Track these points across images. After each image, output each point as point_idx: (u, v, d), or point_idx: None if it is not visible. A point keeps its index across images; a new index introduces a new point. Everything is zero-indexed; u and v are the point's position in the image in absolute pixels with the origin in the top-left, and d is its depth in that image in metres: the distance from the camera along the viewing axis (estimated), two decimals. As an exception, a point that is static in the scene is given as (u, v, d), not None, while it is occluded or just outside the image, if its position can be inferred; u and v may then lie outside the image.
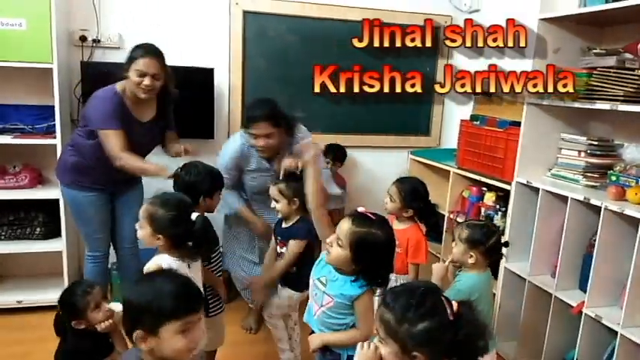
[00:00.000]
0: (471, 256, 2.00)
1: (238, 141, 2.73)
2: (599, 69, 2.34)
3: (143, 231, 1.80)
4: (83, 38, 3.15)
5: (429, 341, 1.16)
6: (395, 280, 2.34)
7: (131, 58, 2.45)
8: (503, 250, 2.12)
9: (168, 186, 2.22)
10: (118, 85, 2.51)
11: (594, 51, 2.47)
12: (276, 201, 2.33)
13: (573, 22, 2.53)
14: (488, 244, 2.00)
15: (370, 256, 1.62)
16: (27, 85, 3.03)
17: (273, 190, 2.34)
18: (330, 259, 1.68)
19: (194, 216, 1.80)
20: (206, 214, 2.04)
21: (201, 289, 1.89)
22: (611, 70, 2.26)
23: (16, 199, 2.99)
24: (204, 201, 2.17)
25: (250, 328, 3.01)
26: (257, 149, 2.64)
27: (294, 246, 2.34)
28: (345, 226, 1.63)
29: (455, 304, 1.21)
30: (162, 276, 1.45)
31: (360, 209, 1.71)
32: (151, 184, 2.66)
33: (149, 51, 2.46)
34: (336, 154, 3.59)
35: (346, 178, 3.73)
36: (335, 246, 1.64)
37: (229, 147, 2.76)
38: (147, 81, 2.43)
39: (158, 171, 2.40)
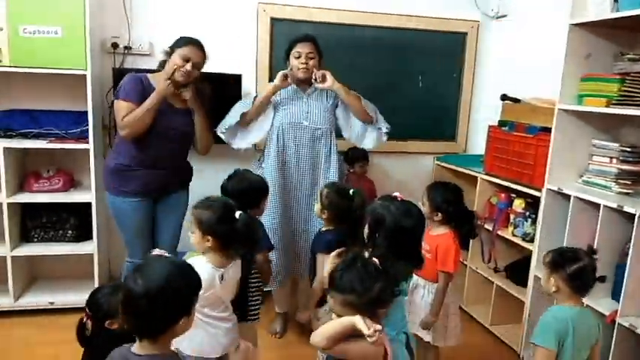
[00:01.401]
0: (551, 281, 1.85)
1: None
2: (632, 74, 2.31)
3: (194, 235, 1.87)
4: (115, 45, 3.22)
5: (386, 297, 1.44)
6: (424, 286, 2.34)
7: (176, 45, 2.61)
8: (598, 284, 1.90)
9: (217, 191, 2.29)
10: (150, 75, 2.65)
11: (627, 56, 2.43)
12: (316, 201, 2.39)
13: (605, 27, 2.49)
14: (569, 270, 1.81)
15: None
16: (61, 91, 3.11)
17: (319, 191, 2.41)
18: None
19: (237, 214, 1.86)
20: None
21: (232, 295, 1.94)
22: (646, 76, 2.23)
23: (50, 202, 3.06)
24: (251, 210, 2.22)
25: (276, 332, 3.03)
26: (299, 68, 2.83)
27: (319, 259, 2.30)
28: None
29: (375, 260, 1.51)
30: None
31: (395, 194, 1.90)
32: (198, 190, 2.71)
33: (194, 42, 2.63)
34: (360, 156, 3.52)
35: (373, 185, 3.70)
36: None
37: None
38: (188, 67, 2.56)
39: (163, 88, 2.54)
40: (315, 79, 2.83)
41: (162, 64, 2.68)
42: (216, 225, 1.83)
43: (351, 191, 2.34)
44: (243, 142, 2.97)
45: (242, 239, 1.86)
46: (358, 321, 1.40)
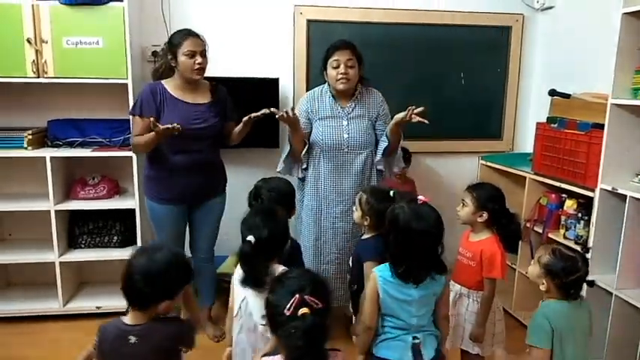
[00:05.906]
0: (544, 283, 1.85)
1: (310, 92, 2.91)
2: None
3: None
4: (155, 54, 3.25)
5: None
6: (468, 295, 2.24)
7: (174, 47, 2.58)
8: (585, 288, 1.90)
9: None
10: (164, 81, 2.68)
11: (687, 45, 2.27)
12: (355, 209, 2.30)
13: (662, 15, 2.33)
14: (565, 280, 1.81)
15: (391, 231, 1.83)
16: (104, 100, 3.17)
17: (357, 197, 2.31)
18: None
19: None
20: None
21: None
22: None
23: (95, 209, 3.14)
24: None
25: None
26: (337, 79, 2.69)
27: (368, 268, 2.12)
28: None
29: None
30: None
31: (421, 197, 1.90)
32: (235, 196, 2.76)
33: (187, 33, 2.60)
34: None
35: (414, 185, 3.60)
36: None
37: (304, 97, 2.91)
38: (199, 60, 2.57)
39: (163, 129, 2.45)
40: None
41: (159, 69, 2.73)
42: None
43: (390, 192, 2.23)
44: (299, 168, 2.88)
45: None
46: None
